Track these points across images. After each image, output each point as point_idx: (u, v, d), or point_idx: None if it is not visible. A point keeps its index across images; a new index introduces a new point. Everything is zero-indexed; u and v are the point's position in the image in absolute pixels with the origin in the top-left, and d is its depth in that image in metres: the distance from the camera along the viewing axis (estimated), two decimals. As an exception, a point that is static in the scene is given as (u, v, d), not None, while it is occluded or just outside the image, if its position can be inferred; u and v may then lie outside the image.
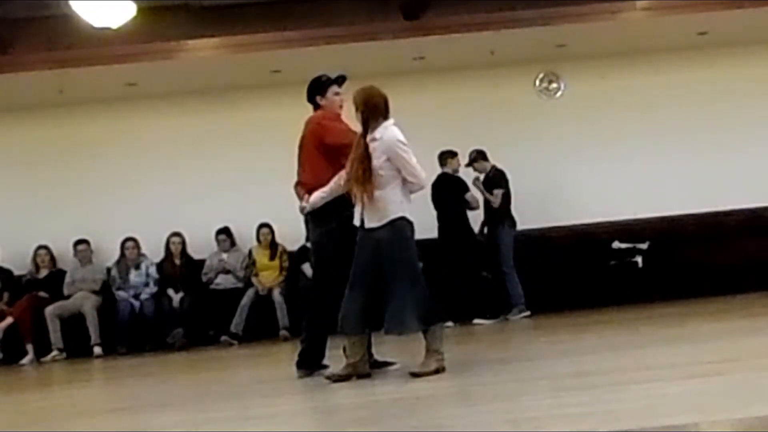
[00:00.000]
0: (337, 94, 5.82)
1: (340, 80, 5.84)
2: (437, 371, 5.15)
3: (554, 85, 10.45)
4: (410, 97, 10.01)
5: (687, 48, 10.07)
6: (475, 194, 9.41)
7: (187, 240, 9.96)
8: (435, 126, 9.66)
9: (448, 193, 9.27)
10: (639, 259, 10.01)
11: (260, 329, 9.49)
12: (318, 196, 5.59)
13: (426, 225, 9.18)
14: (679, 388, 4.02)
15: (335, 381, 5.24)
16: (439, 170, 9.26)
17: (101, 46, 8.67)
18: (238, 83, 10.02)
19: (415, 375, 5.12)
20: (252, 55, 9.12)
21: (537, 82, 10.47)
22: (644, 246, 10.03)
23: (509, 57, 9.94)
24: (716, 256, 9.85)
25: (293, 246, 9.85)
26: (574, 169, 10.13)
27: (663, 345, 5.97)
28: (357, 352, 5.31)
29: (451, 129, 9.83)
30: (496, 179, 9.47)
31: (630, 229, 10.12)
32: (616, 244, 10.07)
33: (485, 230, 9.59)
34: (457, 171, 9.43)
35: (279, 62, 9.44)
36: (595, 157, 10.22)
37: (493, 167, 9.56)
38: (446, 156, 9.41)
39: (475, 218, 9.49)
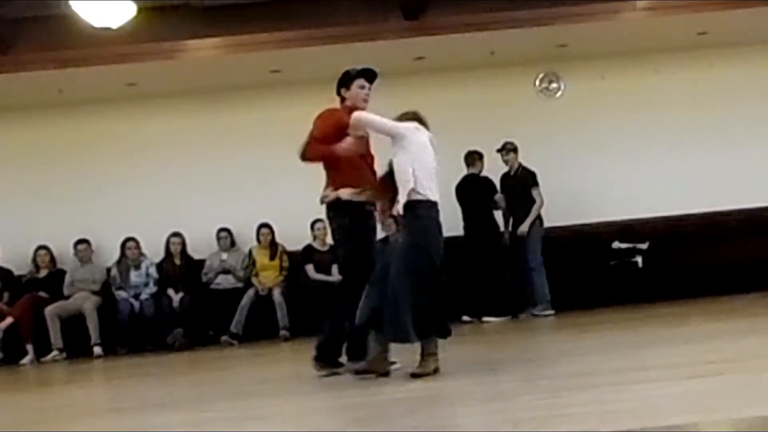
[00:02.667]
0: (362, 87, 5.64)
1: (369, 74, 5.67)
2: (436, 371, 5.17)
3: (554, 85, 10.45)
4: (410, 97, 10.00)
5: (687, 48, 10.07)
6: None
7: (187, 240, 9.96)
8: (435, 126, 9.62)
9: (474, 194, 9.41)
10: (639, 259, 10.01)
11: (260, 329, 9.49)
12: (346, 193, 5.52)
13: (449, 223, 9.34)
14: (679, 388, 4.02)
15: (357, 374, 5.26)
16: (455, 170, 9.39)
17: (101, 46, 8.68)
18: (238, 83, 10.02)
19: (414, 376, 5.13)
20: (252, 55, 9.12)
21: (537, 82, 10.47)
22: (644, 246, 10.03)
23: (509, 57, 9.94)
24: (716, 256, 9.86)
25: (293, 246, 9.86)
26: (574, 169, 10.13)
27: (663, 345, 5.97)
28: (375, 348, 5.33)
29: (451, 129, 9.80)
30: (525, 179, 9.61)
31: (630, 229, 10.12)
32: (616, 244, 10.07)
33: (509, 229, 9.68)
34: (481, 171, 9.54)
35: (279, 62, 9.45)
36: (594, 157, 10.22)
37: (521, 166, 9.67)
38: (473, 156, 9.51)
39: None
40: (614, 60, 10.16)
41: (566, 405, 3.86)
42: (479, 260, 9.31)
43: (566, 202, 9.91)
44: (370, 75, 5.70)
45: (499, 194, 9.51)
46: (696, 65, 10.25)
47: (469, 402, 4.39)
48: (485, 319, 9.17)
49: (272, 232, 9.92)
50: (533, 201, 9.49)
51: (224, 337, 9.32)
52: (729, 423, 3.19)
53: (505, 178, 9.76)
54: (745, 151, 10.11)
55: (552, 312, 9.34)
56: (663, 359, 5.16)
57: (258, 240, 9.95)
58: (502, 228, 9.70)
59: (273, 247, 9.89)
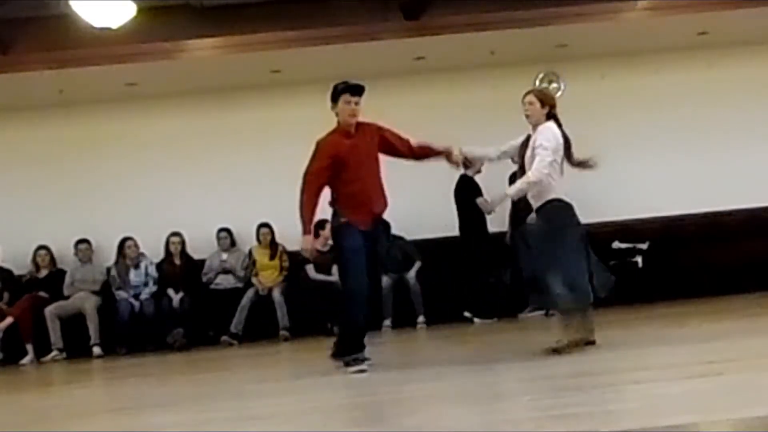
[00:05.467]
0: (347, 102, 5.77)
1: (354, 89, 5.77)
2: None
3: (554, 85, 10.44)
4: (410, 97, 10.03)
5: (687, 48, 10.07)
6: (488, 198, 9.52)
7: (187, 240, 9.96)
8: (435, 126, 9.63)
9: (464, 195, 9.44)
10: (639, 259, 10.00)
11: (260, 329, 9.49)
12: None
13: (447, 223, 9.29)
14: (679, 388, 4.02)
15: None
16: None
17: (101, 46, 8.68)
18: (238, 83, 10.02)
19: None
20: (252, 55, 9.12)
21: (537, 82, 10.46)
22: (644, 246, 10.03)
23: (509, 57, 9.94)
24: (716, 256, 9.86)
25: (293, 246, 9.83)
26: (574, 169, 10.10)
27: (663, 345, 5.97)
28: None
29: (451, 129, 9.81)
30: None
31: (630, 229, 10.12)
32: (616, 244, 10.07)
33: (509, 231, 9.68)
34: (479, 172, 9.52)
35: (279, 62, 9.45)
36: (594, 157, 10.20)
37: None
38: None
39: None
40: (614, 60, 10.16)
41: (566, 405, 3.86)
42: (472, 260, 9.32)
43: (566, 202, 9.90)
44: (355, 90, 5.78)
45: (481, 198, 9.47)
46: (696, 65, 10.24)
47: (469, 402, 4.39)
48: (466, 313, 9.22)
49: (272, 231, 9.92)
50: None
51: (224, 337, 9.32)
52: (728, 423, 3.19)
53: (515, 175, 9.73)
54: (745, 151, 10.11)
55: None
56: (663, 359, 5.16)
57: (258, 240, 9.95)
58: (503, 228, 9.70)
59: (273, 246, 9.89)
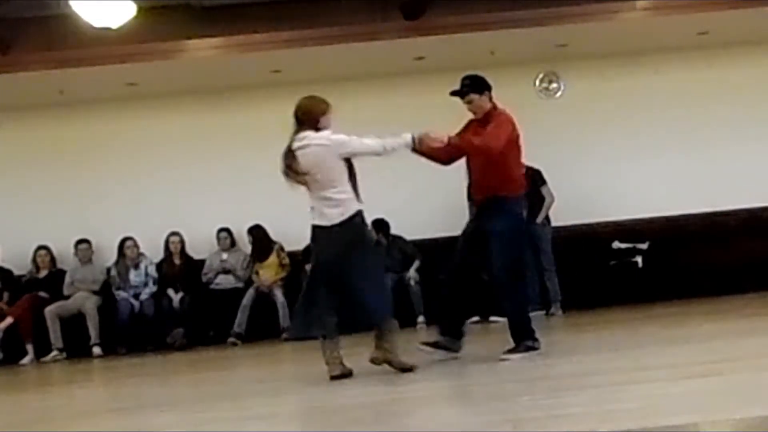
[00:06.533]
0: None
1: (456, 94, 6.51)
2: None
3: (554, 85, 10.45)
4: (410, 97, 10.03)
5: (687, 48, 10.07)
6: None
7: (187, 240, 9.96)
8: (435, 126, 9.62)
9: None
10: (639, 259, 10.01)
11: (261, 329, 9.48)
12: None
13: (453, 223, 9.31)
14: (679, 388, 4.02)
15: None
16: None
17: (101, 46, 8.68)
18: (238, 83, 10.02)
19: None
20: (252, 55, 9.12)
21: (537, 82, 10.47)
22: (644, 246, 10.03)
23: (509, 57, 9.94)
24: (716, 256, 9.86)
25: (294, 246, 9.83)
26: (574, 169, 10.13)
27: (663, 345, 5.97)
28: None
29: (452, 129, 9.81)
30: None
31: (630, 229, 10.12)
32: (616, 244, 10.07)
33: None
34: None
35: (279, 62, 9.45)
36: (595, 157, 10.22)
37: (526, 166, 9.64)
38: None
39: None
40: (614, 60, 10.16)
41: (566, 405, 3.86)
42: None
43: (566, 202, 9.91)
44: (456, 94, 6.62)
45: None
46: (696, 65, 10.25)
47: (469, 402, 4.40)
48: (492, 318, 9.13)
49: (262, 231, 9.83)
50: (542, 199, 9.48)
51: (231, 339, 9.28)
52: (729, 423, 3.19)
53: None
54: (745, 151, 10.12)
55: (561, 312, 9.33)
56: (663, 359, 5.16)
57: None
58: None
59: (266, 246, 9.82)
